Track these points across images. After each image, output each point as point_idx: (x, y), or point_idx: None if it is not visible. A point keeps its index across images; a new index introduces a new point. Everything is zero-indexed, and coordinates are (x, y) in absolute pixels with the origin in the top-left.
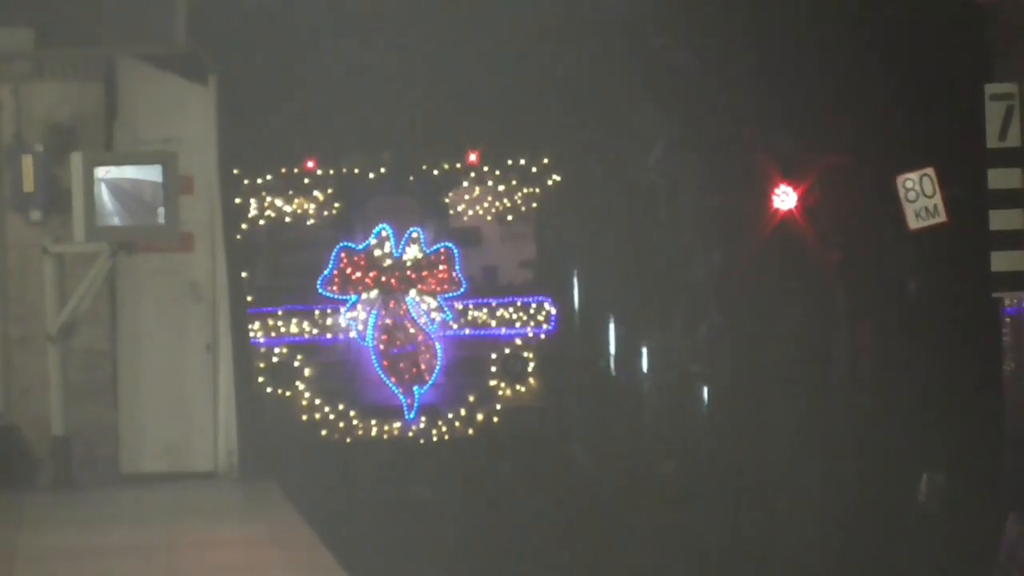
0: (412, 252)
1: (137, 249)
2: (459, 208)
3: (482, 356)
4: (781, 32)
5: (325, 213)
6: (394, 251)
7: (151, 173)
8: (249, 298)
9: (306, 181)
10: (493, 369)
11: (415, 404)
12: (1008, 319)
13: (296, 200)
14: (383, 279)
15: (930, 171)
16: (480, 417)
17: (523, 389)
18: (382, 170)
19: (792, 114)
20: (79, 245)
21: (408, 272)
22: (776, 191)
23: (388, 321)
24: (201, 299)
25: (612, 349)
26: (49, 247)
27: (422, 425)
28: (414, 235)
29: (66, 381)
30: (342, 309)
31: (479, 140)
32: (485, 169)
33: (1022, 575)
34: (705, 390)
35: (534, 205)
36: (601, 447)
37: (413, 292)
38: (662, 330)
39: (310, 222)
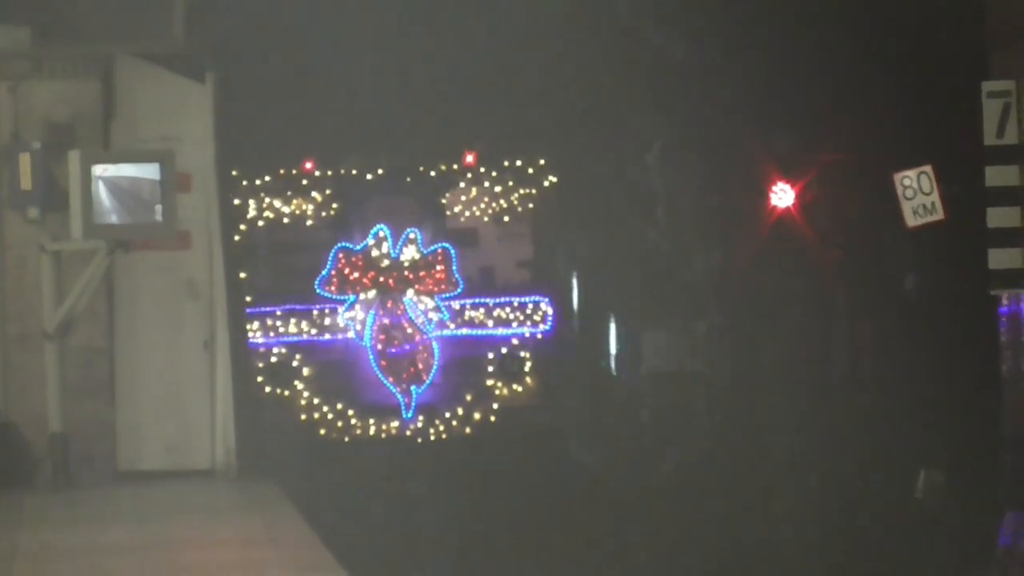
0: (410, 252)
1: (134, 247)
2: (456, 209)
3: (479, 356)
4: (779, 31)
5: (323, 214)
6: (392, 251)
7: (149, 171)
8: (248, 298)
9: (304, 182)
10: (490, 369)
11: (413, 403)
12: (1004, 317)
13: (294, 201)
14: (381, 279)
15: (928, 169)
16: (477, 416)
17: (520, 388)
18: (380, 171)
19: (790, 112)
20: (77, 243)
21: (406, 272)
22: (774, 189)
23: (386, 321)
24: (198, 297)
25: (609, 348)
26: (47, 245)
27: (420, 424)
28: (412, 235)
29: (63, 379)
30: (340, 309)
31: (476, 141)
32: (482, 170)
33: (1020, 573)
34: (704, 389)
35: (531, 206)
36: (599, 446)
37: (411, 292)
38: (660, 329)
39: (308, 223)
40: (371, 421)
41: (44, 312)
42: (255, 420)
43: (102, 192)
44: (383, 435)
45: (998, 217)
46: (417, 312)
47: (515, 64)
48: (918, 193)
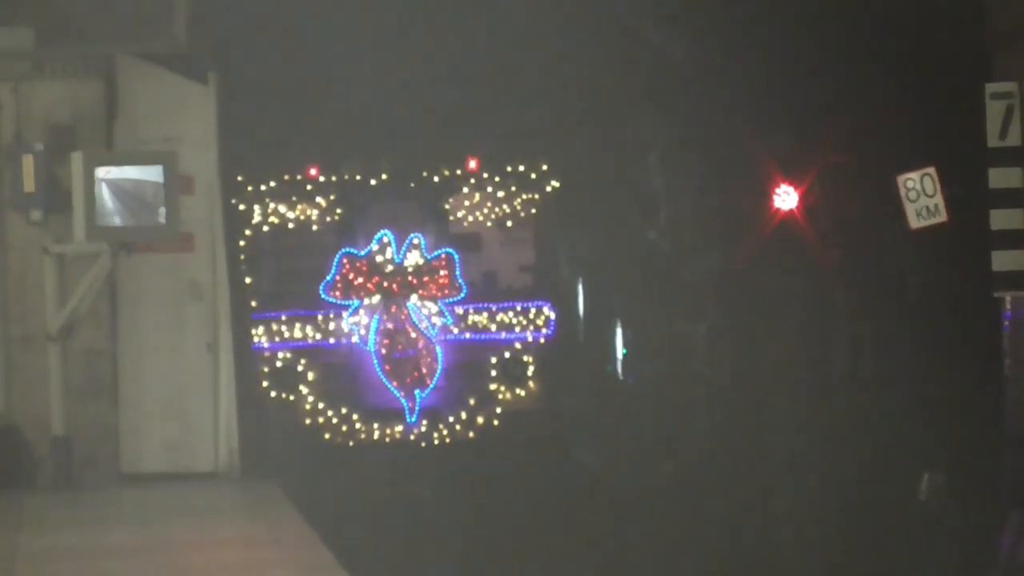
0: (413, 258)
1: (137, 249)
2: (459, 214)
3: (482, 360)
4: (780, 32)
5: (328, 219)
6: (396, 257)
7: (152, 173)
8: (253, 303)
9: (309, 187)
10: (493, 373)
11: (416, 407)
12: (1008, 322)
13: (299, 206)
14: (385, 284)
15: (931, 170)
16: (480, 420)
17: (523, 392)
18: (383, 177)
19: (793, 114)
20: (80, 245)
21: (409, 277)
22: (777, 191)
23: (390, 325)
24: (201, 298)
25: (611, 351)
26: (50, 247)
27: (423, 428)
28: (415, 241)
29: (66, 381)
30: (344, 314)
31: (479, 147)
32: (485, 176)
33: (1022, 574)
34: (706, 390)
35: (533, 211)
36: (601, 448)
37: (414, 297)
38: (662, 331)
39: (313, 228)
40: (375, 425)
41: (47, 314)
42: (259, 423)
43: (105, 194)
44: (387, 439)
45: (1001, 219)
46: (421, 317)
47: (517, 69)
48: (921, 195)
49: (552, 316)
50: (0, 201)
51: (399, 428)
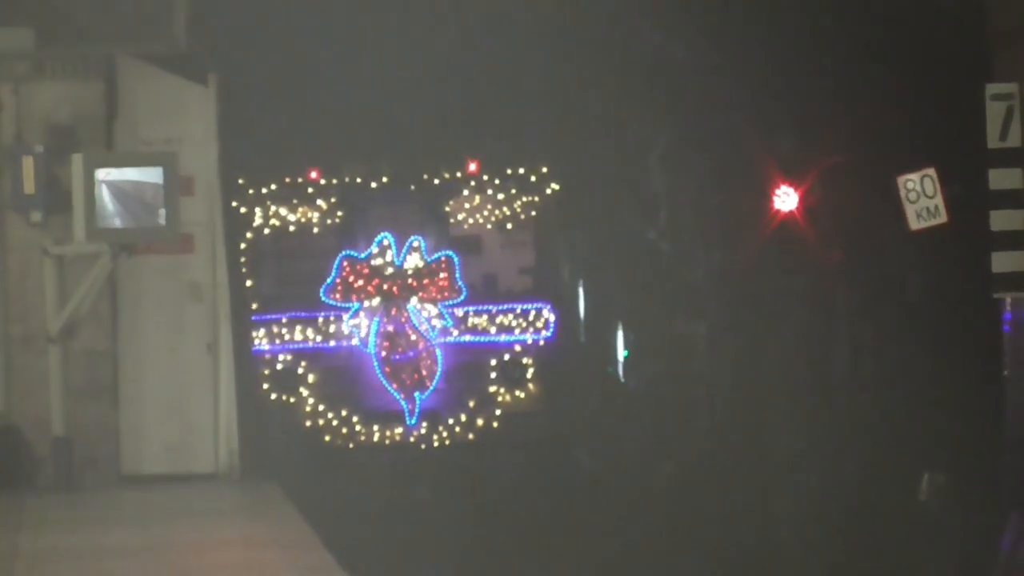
0: (413, 260)
1: (138, 250)
2: (459, 217)
3: (482, 362)
4: (782, 33)
5: (328, 222)
6: (396, 259)
7: (152, 175)
8: (254, 305)
9: (309, 190)
10: (493, 375)
11: (416, 409)
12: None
13: (300, 209)
14: (385, 287)
15: (931, 171)
16: (480, 422)
17: (522, 394)
18: (384, 180)
19: (793, 115)
20: (80, 246)
21: (409, 280)
22: (777, 192)
23: (390, 328)
24: (201, 299)
25: (611, 353)
26: (50, 248)
27: (423, 430)
28: (415, 243)
29: (67, 382)
30: (345, 316)
31: (479, 150)
32: (485, 178)
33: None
34: (706, 391)
35: (533, 213)
36: (601, 450)
37: (414, 299)
38: (662, 333)
39: (314, 231)
40: (375, 427)
41: (47, 315)
42: (260, 425)
43: (105, 195)
44: (387, 441)
45: (1001, 220)
46: (421, 319)
47: (517, 72)
48: (921, 196)
49: (552, 318)
50: (0, 202)
51: (399, 430)
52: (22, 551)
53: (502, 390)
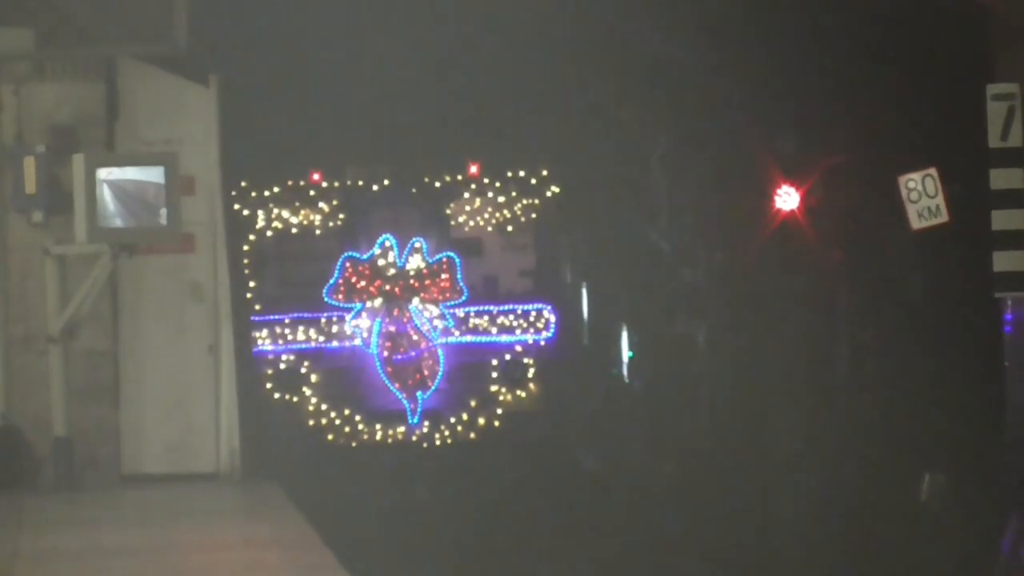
0: (415, 261)
1: (139, 250)
2: (460, 219)
3: (483, 362)
4: (783, 33)
5: (330, 224)
6: (398, 261)
7: (153, 174)
8: (257, 306)
9: (312, 193)
10: (494, 375)
11: (418, 409)
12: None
13: (302, 211)
14: (387, 288)
15: (932, 171)
16: (481, 422)
17: (523, 394)
18: (385, 182)
19: (794, 115)
20: (81, 246)
21: (411, 281)
22: (778, 192)
23: (392, 328)
24: (203, 300)
25: (612, 353)
26: (51, 248)
27: (425, 430)
28: (417, 245)
29: (68, 382)
30: (347, 317)
31: (480, 153)
32: (486, 181)
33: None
34: (707, 392)
35: (533, 215)
36: (602, 450)
37: (416, 300)
38: (663, 333)
39: (316, 233)
40: (377, 427)
41: (48, 315)
42: (262, 425)
43: (106, 195)
44: (389, 440)
45: (1002, 220)
46: (422, 320)
47: (518, 75)
48: (923, 196)
49: (552, 319)
50: (1, 202)
51: (401, 430)
52: (23, 551)
53: (503, 390)
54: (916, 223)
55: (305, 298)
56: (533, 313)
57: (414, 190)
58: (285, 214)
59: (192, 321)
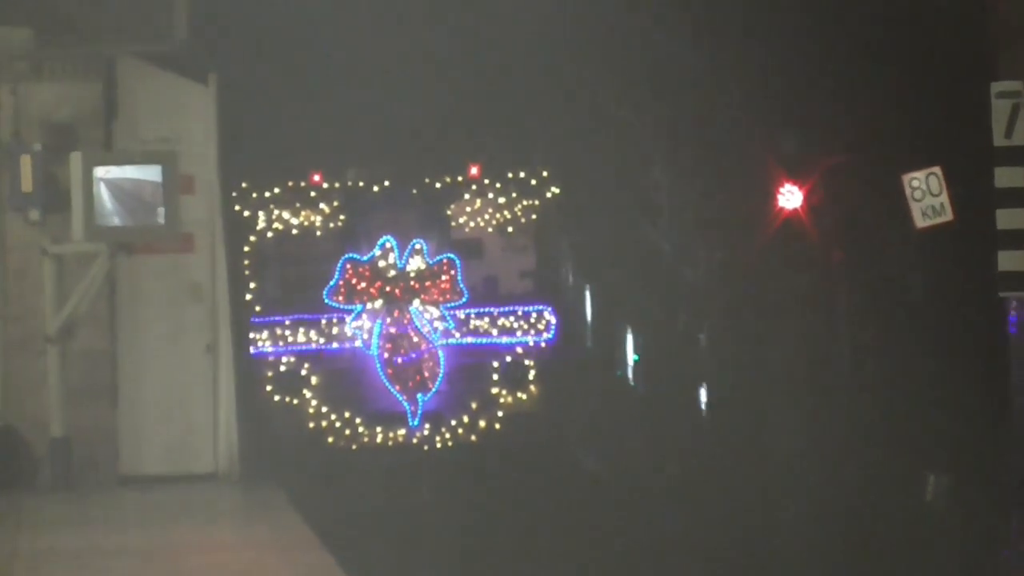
0: (415, 263)
1: (137, 250)
2: (461, 220)
3: (484, 364)
4: (785, 31)
5: (331, 225)
6: (398, 262)
7: (151, 173)
8: (257, 308)
9: (312, 194)
10: (495, 377)
11: (419, 411)
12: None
13: (303, 213)
14: (387, 289)
15: (936, 170)
16: (482, 424)
17: (524, 396)
18: (386, 183)
19: (797, 113)
20: (78, 246)
21: (412, 282)
22: (781, 190)
23: (392, 330)
24: (202, 299)
25: (614, 354)
26: (48, 248)
27: (426, 432)
28: (417, 246)
29: (65, 382)
30: (348, 319)
31: (480, 154)
32: (486, 182)
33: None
34: (708, 392)
35: (534, 217)
36: (603, 452)
37: (416, 302)
38: (664, 333)
39: (316, 234)
40: (378, 429)
41: (45, 315)
42: (261, 427)
43: (104, 194)
44: (390, 442)
45: (1007, 219)
46: (423, 321)
47: (518, 75)
48: (927, 194)
49: (553, 320)
50: None
51: (401, 432)
52: (21, 552)
53: (504, 392)
54: (920, 222)
55: (305, 300)
56: (534, 314)
57: (415, 191)
58: (286, 215)
59: (190, 321)
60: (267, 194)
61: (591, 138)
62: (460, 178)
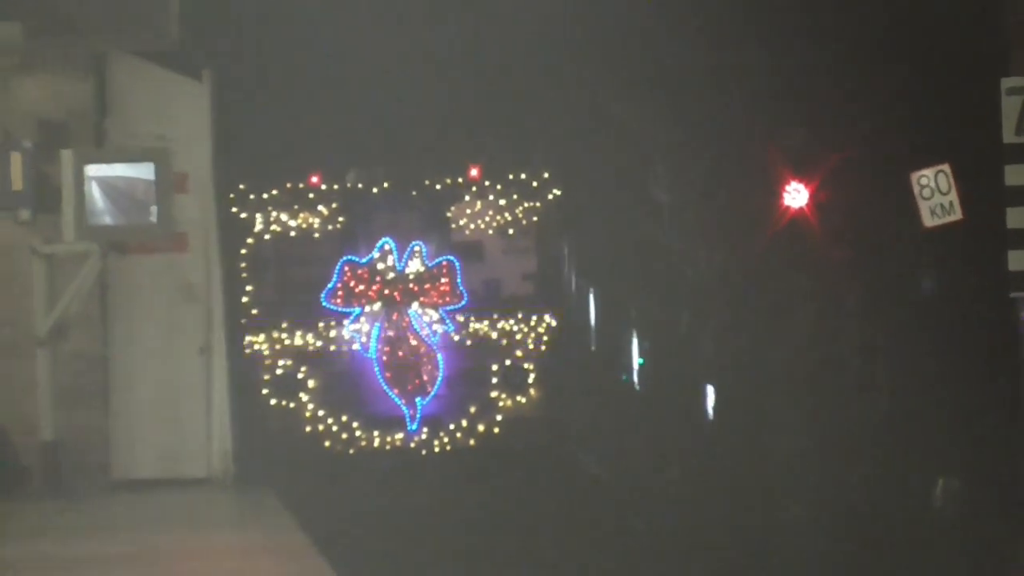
0: (414, 265)
1: (129, 249)
2: (461, 222)
3: (483, 367)
4: (792, 27)
5: (329, 227)
6: (397, 264)
7: (144, 171)
8: (254, 311)
9: (311, 196)
10: (494, 380)
11: (417, 415)
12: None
13: (301, 215)
14: (386, 292)
15: (945, 167)
16: (481, 428)
17: (523, 400)
18: (385, 185)
19: (804, 110)
20: (69, 245)
21: (411, 285)
22: (787, 188)
23: (391, 333)
24: (195, 300)
25: (615, 358)
26: (38, 247)
27: (424, 436)
28: (416, 249)
29: (56, 385)
30: (346, 322)
31: (480, 155)
32: (486, 184)
33: None
34: (713, 393)
35: (534, 219)
36: (604, 455)
37: (415, 305)
38: (667, 335)
39: (315, 236)
40: (376, 433)
41: (36, 316)
42: (257, 430)
43: (95, 192)
44: (388, 447)
45: (1017, 217)
46: (422, 324)
47: (519, 76)
48: (935, 192)
49: (553, 323)
50: None
51: (400, 436)
52: (9, 560)
53: (503, 395)
54: (929, 221)
55: (303, 302)
56: (534, 318)
57: (414, 193)
58: (283, 217)
59: (184, 323)
60: (265, 196)
61: (592, 139)
62: (460, 180)
